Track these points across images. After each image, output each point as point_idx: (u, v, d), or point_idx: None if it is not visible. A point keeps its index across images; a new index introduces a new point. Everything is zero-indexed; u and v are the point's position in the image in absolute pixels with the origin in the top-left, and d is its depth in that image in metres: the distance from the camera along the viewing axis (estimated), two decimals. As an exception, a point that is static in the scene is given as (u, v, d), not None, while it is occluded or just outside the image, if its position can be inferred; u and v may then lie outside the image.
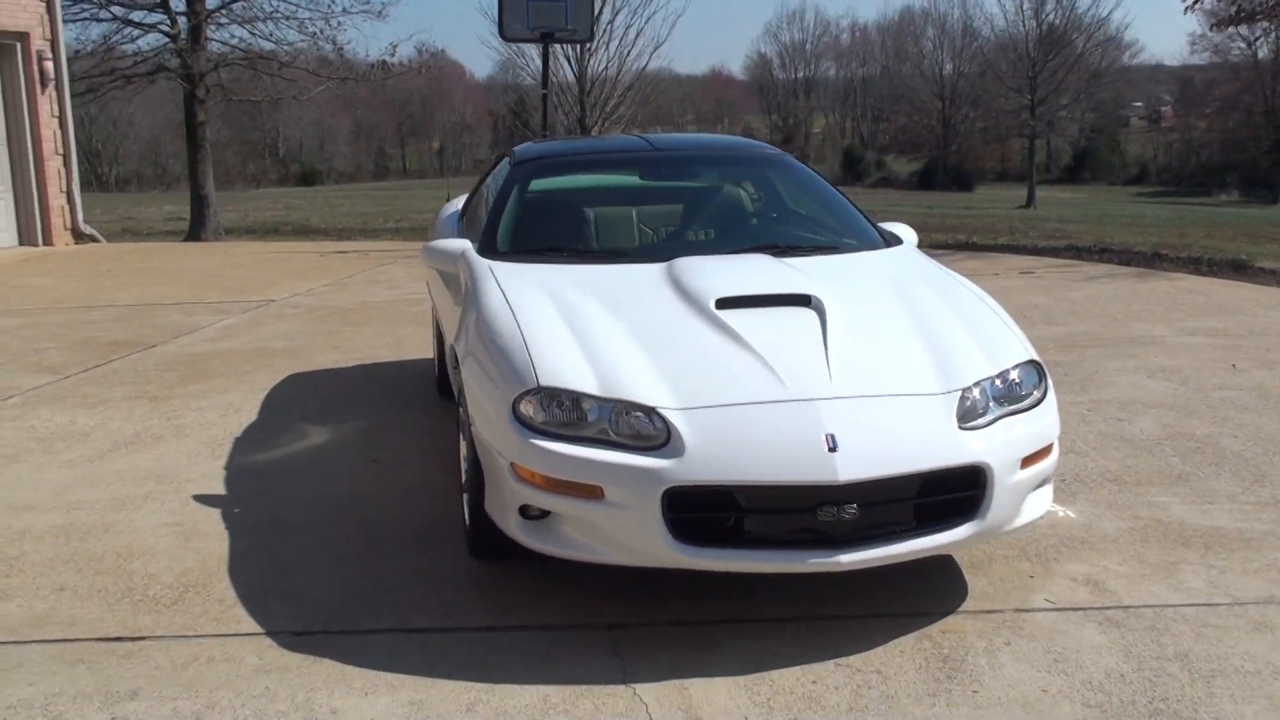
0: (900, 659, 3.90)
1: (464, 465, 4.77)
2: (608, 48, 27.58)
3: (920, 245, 14.96)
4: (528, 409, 4.08)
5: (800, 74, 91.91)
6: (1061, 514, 5.15)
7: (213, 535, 5.05)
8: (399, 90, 61.71)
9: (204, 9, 19.29)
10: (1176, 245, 15.51)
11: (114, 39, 19.64)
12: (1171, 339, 8.57)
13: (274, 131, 69.74)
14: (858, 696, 3.66)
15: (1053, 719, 3.53)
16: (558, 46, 26.09)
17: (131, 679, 3.82)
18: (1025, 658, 3.89)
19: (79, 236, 15.41)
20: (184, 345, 8.93)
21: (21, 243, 14.81)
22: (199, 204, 20.17)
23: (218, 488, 5.67)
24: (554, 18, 13.92)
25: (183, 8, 19.34)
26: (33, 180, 14.69)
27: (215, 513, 5.32)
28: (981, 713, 3.56)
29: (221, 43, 20.33)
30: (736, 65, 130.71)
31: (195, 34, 19.25)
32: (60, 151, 15.02)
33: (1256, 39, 54.13)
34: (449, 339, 5.49)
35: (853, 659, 3.90)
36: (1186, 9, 17.08)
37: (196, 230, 20.00)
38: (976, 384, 4.20)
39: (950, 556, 4.64)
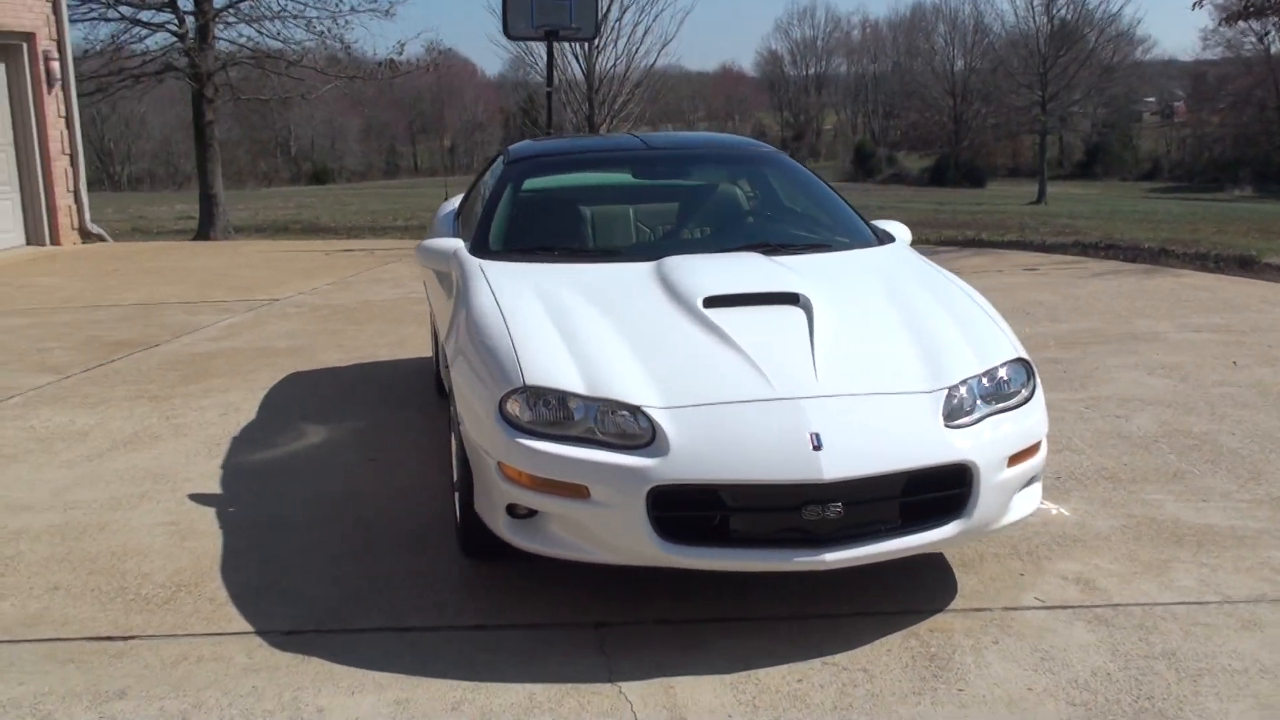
0: (887, 657, 3.90)
1: (455, 464, 4.78)
2: (616, 45, 27.56)
3: (928, 242, 15.03)
4: (514, 408, 4.09)
5: (811, 70, 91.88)
6: (1055, 512, 5.14)
7: (207, 534, 5.08)
8: (410, 88, 61.81)
9: (211, 8, 19.33)
10: (1187, 241, 15.44)
11: (122, 38, 19.67)
12: (1174, 335, 8.55)
13: (285, 130, 69.89)
14: (842, 695, 3.67)
15: (1037, 718, 3.53)
16: (566, 44, 26.16)
17: (121, 678, 3.84)
18: (1012, 656, 3.89)
19: (86, 236, 15.46)
20: (187, 344, 8.96)
21: (29, 242, 14.86)
22: (208, 203, 20.21)
23: (214, 487, 5.69)
24: (558, 16, 13.93)
25: (190, 7, 19.38)
26: (39, 180, 14.73)
27: (211, 512, 5.34)
28: (965, 711, 3.56)
29: (230, 42, 20.38)
30: (747, 62, 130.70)
31: (203, 33, 19.28)
32: (67, 151, 15.07)
33: (1268, 33, 53.81)
34: (441, 338, 5.50)
35: (839, 657, 3.90)
36: (1194, 4, 16.99)
37: (205, 229, 20.04)
38: (963, 382, 4.19)
39: (941, 555, 4.64)
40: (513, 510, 4.14)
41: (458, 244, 5.53)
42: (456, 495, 4.75)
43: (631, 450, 3.92)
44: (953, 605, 4.27)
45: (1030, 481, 4.37)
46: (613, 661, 3.90)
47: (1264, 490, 5.37)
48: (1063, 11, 51.69)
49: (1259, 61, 60.73)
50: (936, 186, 58.37)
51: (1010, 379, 4.34)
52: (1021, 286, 10.82)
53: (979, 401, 4.19)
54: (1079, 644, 3.96)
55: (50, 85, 14.64)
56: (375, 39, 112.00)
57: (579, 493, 3.93)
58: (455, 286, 5.22)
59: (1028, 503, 4.33)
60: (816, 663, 3.87)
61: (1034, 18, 50.77)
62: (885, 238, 5.67)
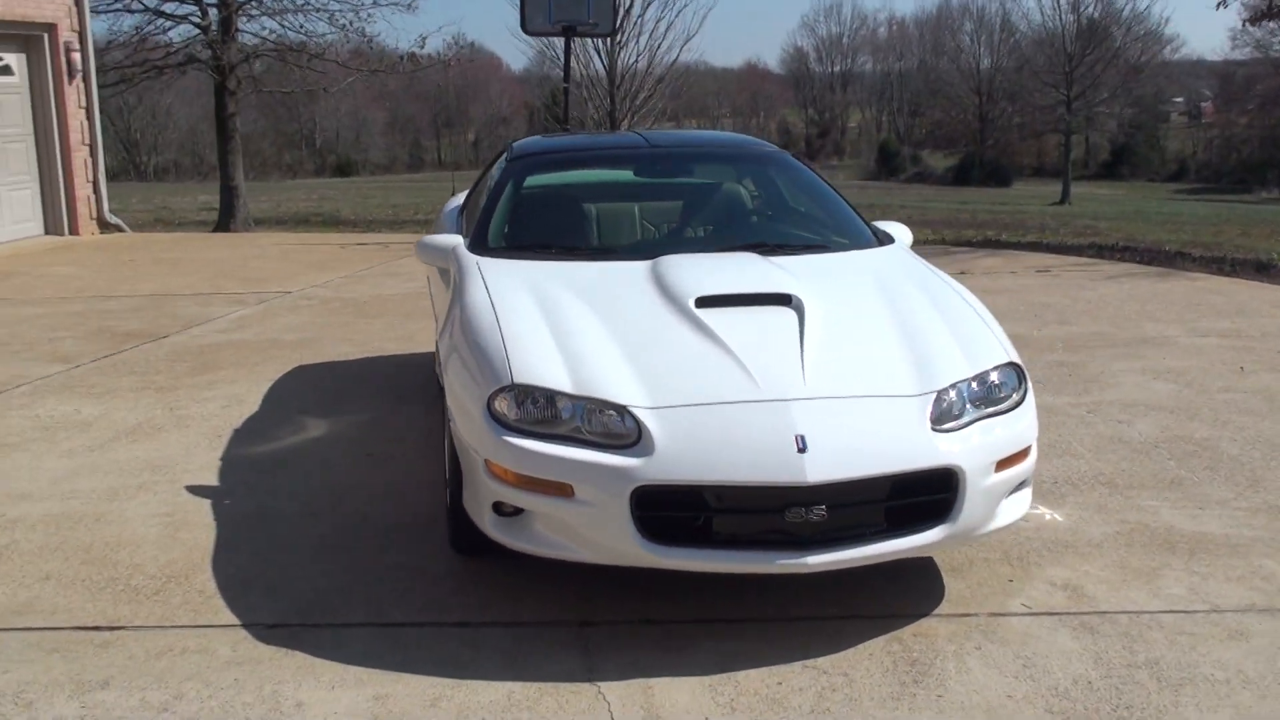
0: (868, 661, 3.89)
1: (446, 460, 4.79)
2: (638, 41, 27.54)
3: (944, 241, 14.97)
4: (502, 406, 4.10)
5: (837, 68, 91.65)
6: (1048, 517, 5.12)
7: (201, 526, 5.10)
8: (434, 82, 61.86)
9: (235, 1, 19.40)
10: (1209, 244, 15.35)
11: (146, 30, 19.78)
12: (1183, 340, 8.49)
13: (310, 123, 70.13)
14: (821, 699, 3.66)
15: (1014, 725, 3.52)
16: (589, 39, 26.17)
17: (105, 668, 3.87)
18: (994, 662, 3.87)
19: (104, 226, 15.54)
20: (196, 336, 9.01)
21: (47, 232, 14.95)
22: (228, 194, 20.31)
23: (212, 479, 5.72)
24: (576, 11, 13.95)
25: (214, 0, 19.46)
26: (59, 170, 14.81)
27: (206, 504, 5.37)
28: (943, 717, 3.55)
29: (253, 34, 20.46)
30: (773, 59, 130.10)
31: (226, 26, 19.37)
32: (87, 142, 15.15)
33: (1297, 34, 53.32)
34: (437, 334, 5.52)
35: (821, 661, 3.89)
36: (1218, 4, 16.86)
37: (226, 221, 20.13)
38: (953, 386, 4.18)
39: (930, 559, 4.63)
40: (499, 508, 4.15)
41: (457, 240, 5.55)
42: (447, 491, 4.76)
43: (617, 450, 3.92)
44: (938, 610, 4.26)
45: (1020, 486, 4.35)
46: (594, 661, 3.91)
47: (1261, 498, 5.33)
48: (1090, 9, 51.35)
49: (1288, 62, 60.16)
50: (961, 186, 58.12)
51: (1001, 383, 4.32)
52: (1033, 288, 10.77)
53: (968, 405, 4.17)
54: (1062, 651, 3.94)
55: (71, 76, 14.72)
56: (398, 33, 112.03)
57: (564, 491, 3.94)
58: (452, 283, 5.24)
59: (1016, 508, 4.32)
60: (797, 665, 3.87)
61: (1060, 16, 50.44)
62: (885, 239, 5.65)
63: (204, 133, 59.62)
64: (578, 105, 28.57)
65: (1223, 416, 6.57)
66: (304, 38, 20.45)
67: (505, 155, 6.36)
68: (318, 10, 20.51)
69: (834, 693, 3.70)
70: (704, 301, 4.51)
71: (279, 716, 3.57)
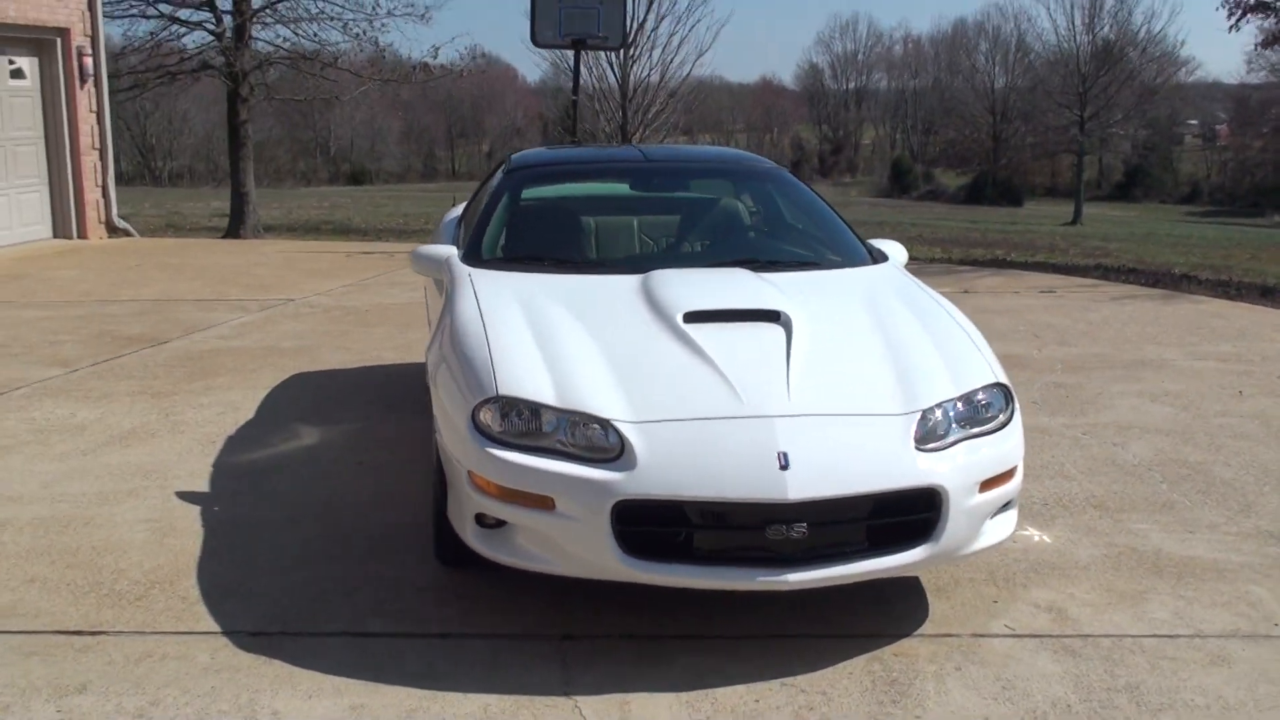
0: (847, 680, 3.88)
1: (433, 471, 4.79)
2: (651, 55, 27.66)
3: (950, 260, 14.93)
4: (486, 417, 4.10)
5: (851, 85, 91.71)
6: (1037, 538, 5.10)
7: (188, 533, 5.11)
8: (449, 92, 62.05)
9: (249, 8, 19.47)
10: (1218, 267, 15.34)
11: (160, 35, 19.86)
12: (1182, 363, 8.47)
13: (325, 130, 70.32)
14: (798, 717, 3.65)
15: (989, 747, 3.50)
16: (602, 53, 26.25)
17: (83, 673, 3.87)
18: (973, 684, 3.86)
19: (113, 230, 15.60)
20: (196, 342, 9.03)
21: (56, 235, 15.01)
22: (239, 201, 20.35)
23: (202, 485, 5.73)
24: (586, 25, 13.99)
25: (229, 7, 19.55)
26: (69, 174, 14.88)
27: (195, 510, 5.38)
28: (918, 738, 3.54)
29: (266, 42, 20.53)
30: (787, 75, 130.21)
31: (239, 33, 19.44)
32: (97, 146, 15.22)
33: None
34: (427, 344, 5.53)
35: (800, 679, 3.88)
36: (1230, 27, 16.85)
37: (236, 227, 20.18)
38: (939, 405, 4.17)
39: (916, 578, 4.62)
40: (481, 519, 4.15)
41: (451, 251, 5.56)
42: (433, 502, 4.76)
43: (600, 464, 3.92)
44: (921, 630, 4.25)
45: (1005, 507, 4.34)
46: (572, 675, 3.90)
47: (1252, 523, 5.31)
48: (1105, 30, 51.36)
49: (1304, 86, 60.03)
50: (973, 204, 58.03)
51: (989, 403, 4.31)
52: (1035, 308, 10.75)
53: (953, 425, 4.16)
54: (1042, 674, 3.93)
55: (83, 80, 14.80)
56: (411, 43, 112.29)
57: (545, 504, 3.94)
58: (444, 294, 5.25)
59: (1001, 529, 4.30)
60: (776, 683, 3.86)
61: (1075, 37, 50.46)
62: (879, 257, 5.65)
63: (219, 139, 59.70)
64: (590, 118, 28.71)
65: (1218, 440, 6.55)
66: (317, 46, 20.51)
67: (503, 167, 6.38)
68: (331, 19, 20.57)
69: (811, 711, 3.68)
70: (692, 316, 4.51)
71: (253, 724, 3.58)
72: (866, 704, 3.73)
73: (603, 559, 3.89)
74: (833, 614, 4.32)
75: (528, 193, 6.02)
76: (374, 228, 21.95)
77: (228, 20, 19.62)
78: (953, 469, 4.01)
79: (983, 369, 4.42)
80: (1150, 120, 62.63)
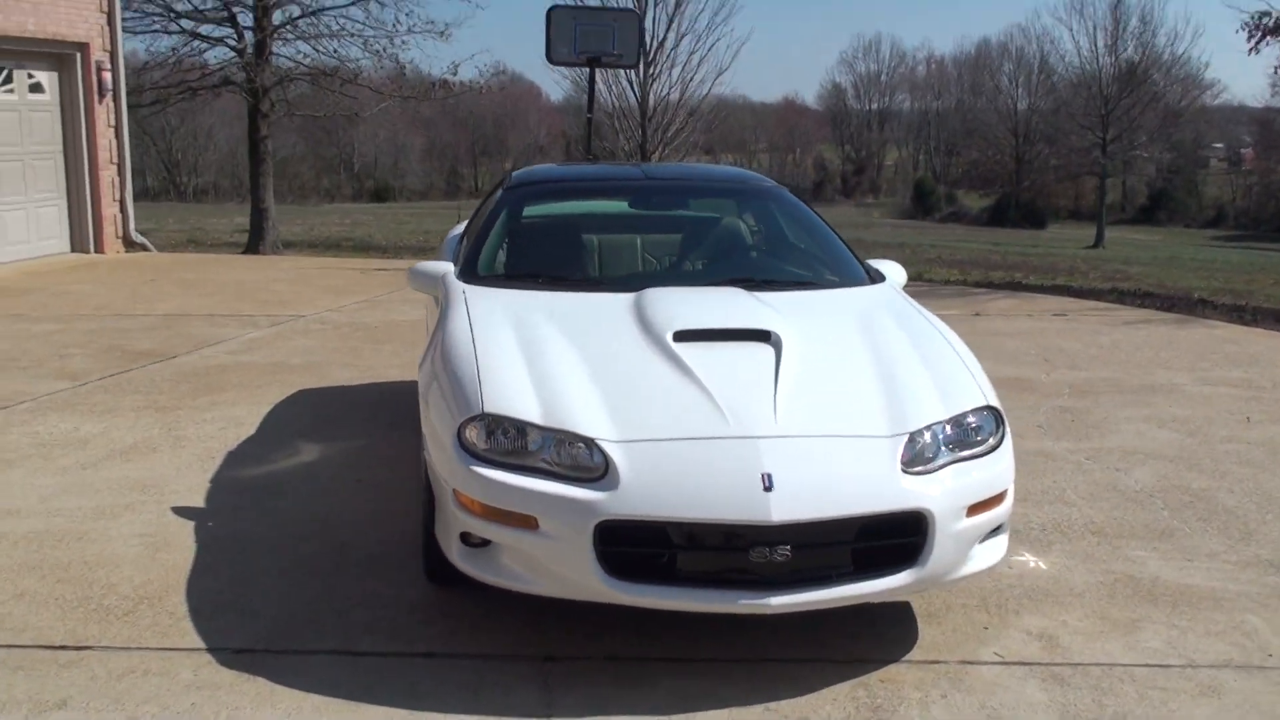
0: (830, 706, 3.84)
1: (422, 489, 4.78)
2: (670, 73, 27.70)
3: (964, 282, 14.85)
4: (472, 435, 4.09)
5: (874, 105, 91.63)
6: (1032, 564, 5.06)
7: (181, 548, 5.11)
8: (474, 110, 62.29)
9: (270, 25, 19.61)
10: (1240, 292, 15.23)
11: (182, 51, 20.01)
12: (1191, 388, 8.40)
13: (349, 147, 70.62)
14: (778, 742, 3.62)
15: (970, 776, 3.46)
16: (621, 71, 26.31)
17: (65, 688, 3.87)
18: (958, 712, 3.82)
19: (130, 245, 15.68)
20: (205, 357, 9.06)
21: (73, 249, 15.08)
22: (259, 217, 20.46)
23: (199, 501, 5.73)
24: (601, 43, 14.01)
25: (250, 23, 19.69)
26: (87, 188, 14.96)
27: (190, 525, 5.38)
28: (898, 766, 3.50)
29: (287, 58, 20.66)
30: (810, 94, 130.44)
31: (260, 49, 19.57)
32: (115, 161, 15.31)
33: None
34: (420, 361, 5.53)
35: (783, 704, 3.85)
36: (1250, 50, 16.73)
37: (255, 243, 20.27)
38: (928, 428, 4.13)
39: (907, 603, 4.58)
40: (466, 538, 4.14)
41: (447, 268, 5.56)
42: (423, 521, 4.75)
43: (584, 483, 3.90)
44: (909, 656, 4.21)
45: (995, 532, 4.30)
46: (554, 696, 3.88)
47: (1252, 552, 5.25)
48: (1128, 52, 51.14)
49: (1329, 110, 59.67)
50: (996, 226, 57.88)
51: (979, 426, 4.27)
52: (1047, 331, 10.68)
53: (942, 448, 4.13)
54: (1029, 703, 3.88)
55: (101, 95, 14.90)
56: (431, 60, 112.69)
57: (528, 524, 3.92)
58: (439, 310, 5.25)
59: (991, 554, 4.26)
60: (759, 708, 3.83)
61: (1098, 58, 50.27)
62: (876, 277, 5.62)
63: (243, 155, 59.83)
64: (610, 136, 28.76)
65: (1223, 467, 6.49)
66: (337, 62, 20.62)
67: (503, 184, 6.38)
68: (352, 36, 20.69)
69: (791, 737, 3.65)
70: (682, 335, 4.49)
71: (230, 743, 3.57)
72: (849, 730, 3.70)
73: (585, 580, 3.86)
74: (821, 638, 4.28)
75: (525, 210, 6.02)
76: (394, 245, 22.02)
77: (249, 36, 19.77)
78: (940, 492, 3.97)
79: (973, 391, 4.39)
80: (1175, 143, 62.26)
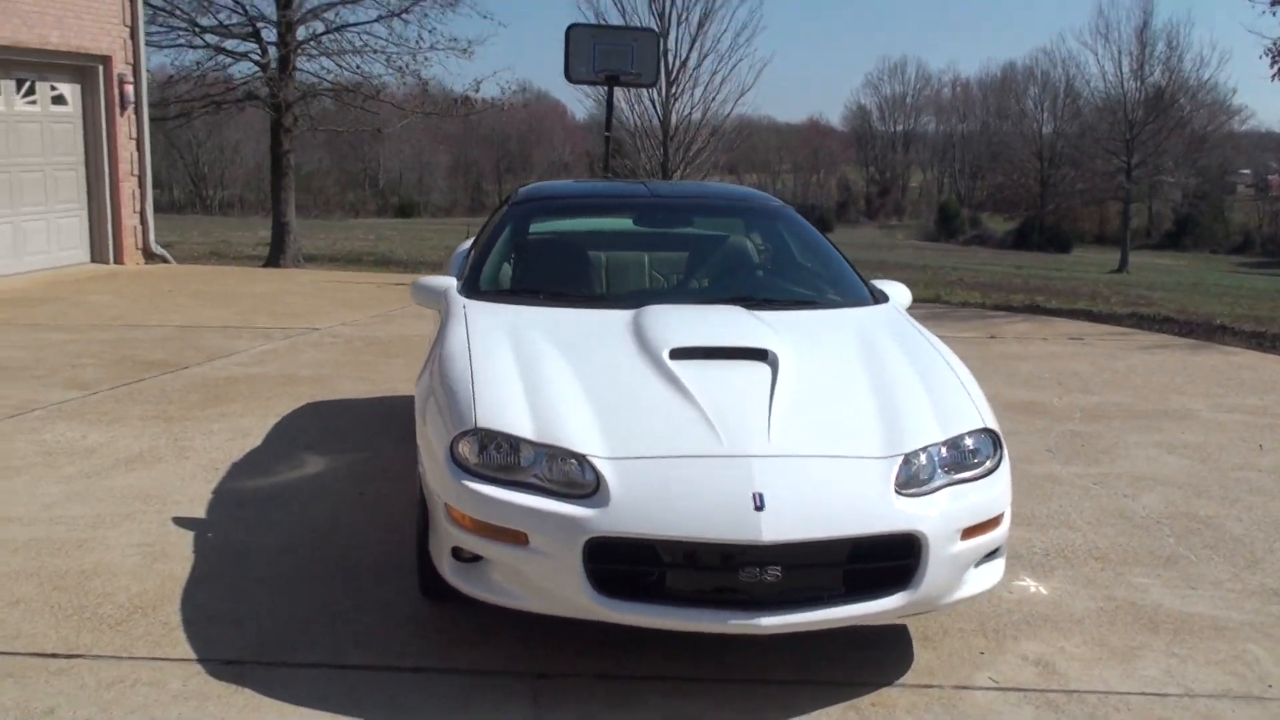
0: (820, 729, 3.81)
1: (418, 504, 4.77)
2: (692, 93, 27.80)
3: (982, 305, 14.77)
4: (465, 450, 4.07)
5: (899, 127, 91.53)
6: (1033, 589, 5.01)
7: (179, 558, 5.11)
8: (493, 128, 62.50)
9: (294, 40, 19.74)
10: (1263, 318, 15.07)
11: (206, 65, 20.15)
12: (1205, 414, 8.32)
13: (374, 163, 71.02)
14: (764, 764, 3.58)
15: (957, 802, 3.42)
16: (644, 91, 26.38)
17: (53, 696, 3.87)
18: (949, 736, 3.78)
19: (149, 256, 15.76)
20: (217, 368, 9.08)
21: (93, 259, 15.17)
22: (280, 230, 20.57)
23: (200, 511, 5.74)
24: (619, 61, 14.02)
25: (274, 38, 19.82)
26: (107, 200, 15.05)
27: (189, 536, 5.38)
28: (885, 790, 3.46)
29: (310, 74, 20.78)
30: (835, 116, 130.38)
31: (284, 64, 19.70)
32: (135, 173, 15.40)
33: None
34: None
35: (772, 726, 3.82)
36: (1273, 75, 16.64)
37: (276, 256, 20.38)
38: (923, 449, 4.10)
39: (904, 626, 4.54)
40: (458, 553, 4.12)
41: (450, 283, 5.56)
42: (417, 534, 4.74)
43: (575, 499, 3.88)
44: (902, 679, 4.16)
45: (992, 555, 4.26)
46: (542, 714, 3.86)
47: (1258, 580, 5.18)
48: (1154, 76, 50.98)
49: (1358, 138, 59.30)
50: (1020, 250, 57.68)
51: (975, 449, 4.23)
52: (1061, 355, 10.62)
53: (938, 470, 4.09)
54: (1022, 728, 3.84)
55: (123, 108, 15.00)
56: (454, 77, 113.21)
57: (519, 539, 3.90)
58: (439, 325, 5.25)
59: (986, 577, 4.22)
60: (747, 729, 3.79)
61: (1122, 83, 50.12)
62: (880, 298, 5.59)
63: (269, 169, 60.53)
64: (633, 155, 28.83)
65: (1233, 494, 6.42)
66: (360, 78, 20.73)
67: (509, 200, 6.39)
68: (375, 52, 20.81)
69: (779, 759, 3.62)
70: (679, 353, 4.47)
71: (213, 754, 3.55)
72: (837, 754, 3.66)
73: (574, 597, 3.84)
74: (814, 659, 4.25)
75: (529, 226, 6.03)
76: (415, 260, 22.08)
77: (273, 52, 19.91)
78: (934, 515, 3.94)
79: (971, 414, 4.35)
80: (1201, 169, 62.02)
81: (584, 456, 3.94)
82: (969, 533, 4.03)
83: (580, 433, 4.04)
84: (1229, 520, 5.99)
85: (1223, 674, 4.27)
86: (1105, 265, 45.45)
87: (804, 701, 3.97)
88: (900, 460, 4.03)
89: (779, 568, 3.76)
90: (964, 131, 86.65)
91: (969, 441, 4.23)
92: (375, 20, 20.20)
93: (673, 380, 4.31)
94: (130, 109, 15.11)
